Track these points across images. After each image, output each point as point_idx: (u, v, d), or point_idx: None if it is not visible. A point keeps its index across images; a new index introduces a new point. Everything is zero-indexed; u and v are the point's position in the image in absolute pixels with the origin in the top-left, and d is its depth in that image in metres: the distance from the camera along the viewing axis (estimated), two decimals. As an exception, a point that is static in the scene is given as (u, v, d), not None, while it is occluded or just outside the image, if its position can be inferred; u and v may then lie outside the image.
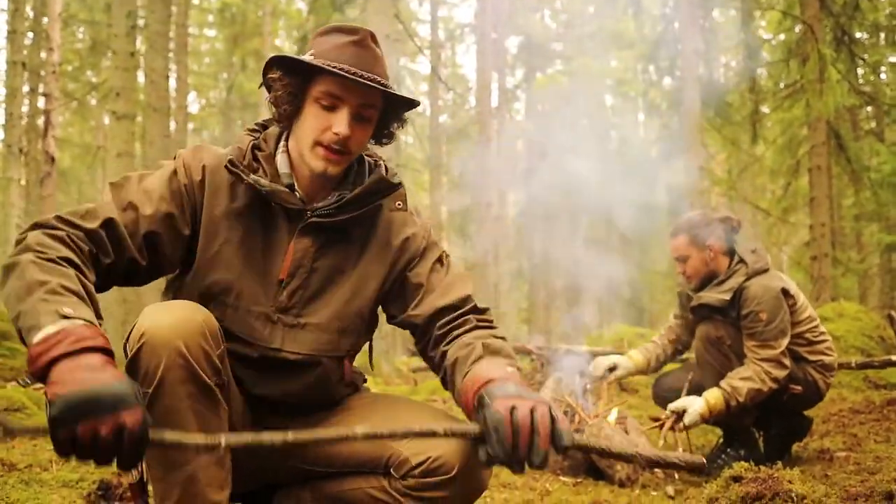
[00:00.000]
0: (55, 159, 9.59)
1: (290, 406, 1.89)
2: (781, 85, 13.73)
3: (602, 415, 3.96)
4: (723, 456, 3.75)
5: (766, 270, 3.67)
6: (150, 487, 1.70)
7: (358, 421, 1.83)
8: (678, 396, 3.73)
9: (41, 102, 16.10)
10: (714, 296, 3.69)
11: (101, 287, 1.65)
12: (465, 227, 23.69)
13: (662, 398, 3.96)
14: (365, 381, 2.10)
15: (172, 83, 16.77)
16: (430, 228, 2.01)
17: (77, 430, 1.21)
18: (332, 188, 1.87)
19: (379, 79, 1.73)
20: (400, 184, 1.91)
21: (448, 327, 1.82)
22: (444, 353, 1.80)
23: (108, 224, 1.63)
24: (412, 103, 1.87)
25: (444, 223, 25.12)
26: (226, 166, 1.77)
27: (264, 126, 1.95)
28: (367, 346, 2.05)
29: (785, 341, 3.54)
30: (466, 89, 29.40)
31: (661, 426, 3.67)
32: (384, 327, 9.14)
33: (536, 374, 6.57)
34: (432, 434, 1.40)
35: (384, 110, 1.85)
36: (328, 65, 1.69)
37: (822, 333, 3.75)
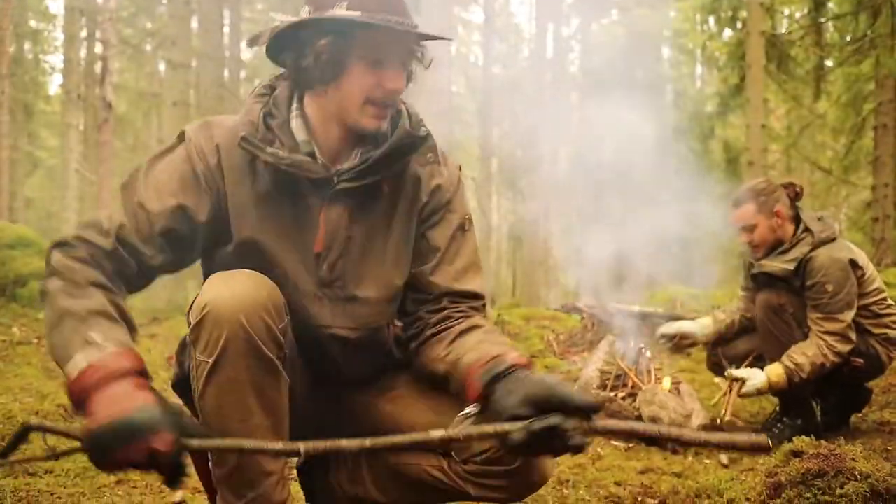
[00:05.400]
0: (112, 105, 9.70)
1: (348, 375, 1.86)
2: (848, 38, 13.18)
3: (657, 380, 3.92)
4: (778, 425, 3.68)
5: (832, 240, 3.54)
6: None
7: (414, 411, 1.84)
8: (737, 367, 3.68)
9: (98, 48, 16.29)
10: (778, 265, 3.58)
11: (136, 289, 1.68)
12: (515, 181, 23.44)
13: (720, 367, 3.90)
14: None
15: (226, 30, 16.78)
16: (458, 176, 1.89)
17: (114, 457, 1.29)
18: (354, 144, 1.76)
19: (423, 31, 1.67)
20: (428, 134, 1.78)
21: (450, 310, 1.79)
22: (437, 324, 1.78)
23: (121, 238, 1.60)
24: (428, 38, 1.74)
25: (495, 176, 24.94)
26: (239, 144, 1.64)
27: (272, 87, 1.79)
28: None
29: (851, 314, 3.43)
30: (520, 39, 28.89)
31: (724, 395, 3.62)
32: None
33: (587, 333, 6.51)
34: (506, 434, 1.34)
35: None
36: (388, 20, 1.58)
37: (889, 306, 3.62)
